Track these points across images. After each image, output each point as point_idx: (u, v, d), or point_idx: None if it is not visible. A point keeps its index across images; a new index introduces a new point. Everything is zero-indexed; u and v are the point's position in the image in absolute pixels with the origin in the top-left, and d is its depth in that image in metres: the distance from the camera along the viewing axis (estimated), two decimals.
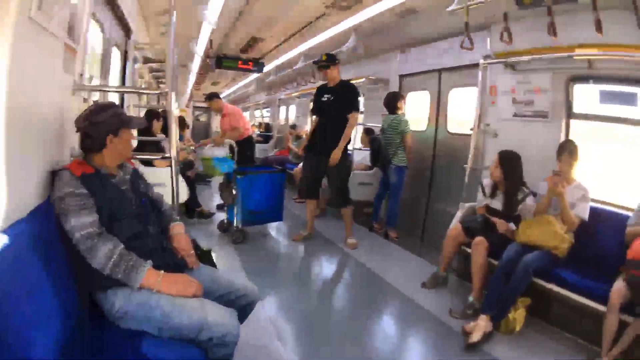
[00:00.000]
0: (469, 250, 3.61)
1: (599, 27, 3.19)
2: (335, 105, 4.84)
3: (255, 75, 11.53)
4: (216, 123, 20.82)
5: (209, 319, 1.76)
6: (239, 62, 8.85)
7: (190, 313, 1.76)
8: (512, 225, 3.59)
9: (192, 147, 6.86)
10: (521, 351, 2.98)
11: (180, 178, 4.78)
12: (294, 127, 10.32)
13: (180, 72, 11.32)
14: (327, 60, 4.87)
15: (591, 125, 4.01)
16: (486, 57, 4.31)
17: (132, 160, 2.69)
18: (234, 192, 4.98)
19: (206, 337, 1.76)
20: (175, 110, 2.72)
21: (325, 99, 4.93)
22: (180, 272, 1.97)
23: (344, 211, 5.16)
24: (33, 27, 1.68)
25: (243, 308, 2.14)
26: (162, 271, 1.86)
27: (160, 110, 5.79)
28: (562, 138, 3.88)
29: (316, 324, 3.30)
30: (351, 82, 5.28)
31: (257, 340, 2.88)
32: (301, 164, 7.38)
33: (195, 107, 22.83)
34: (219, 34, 7.21)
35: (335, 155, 4.74)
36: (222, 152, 5.35)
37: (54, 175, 1.90)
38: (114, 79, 4.86)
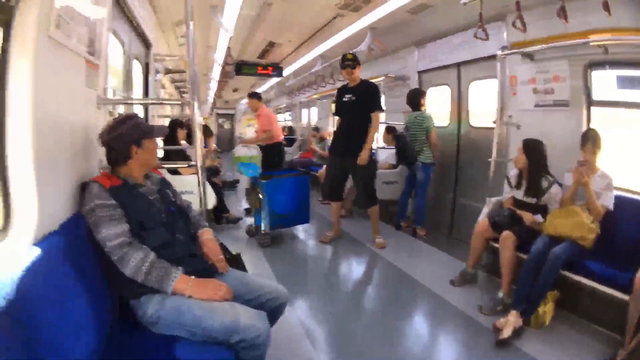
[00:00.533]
0: (497, 245, 3.57)
1: (606, 7, 3.14)
2: (357, 105, 4.84)
3: (275, 80, 11.60)
4: (240, 129, 21.10)
5: (240, 322, 1.80)
6: (258, 67, 8.91)
7: (221, 316, 1.81)
8: (538, 217, 3.55)
9: (215, 155, 6.96)
10: (551, 345, 2.94)
11: (207, 184, 4.87)
12: (316, 129, 10.34)
13: (201, 80, 11.46)
14: (353, 59, 4.85)
15: (610, 111, 3.90)
16: (503, 48, 4.27)
17: (159, 170, 2.75)
18: (260, 196, 5.02)
19: (237, 340, 1.79)
20: (198, 119, 2.77)
21: (347, 99, 4.91)
22: (210, 277, 2.02)
23: (371, 210, 5.16)
24: (53, 45, 1.75)
25: (273, 310, 2.17)
26: (193, 277, 1.91)
27: (183, 119, 5.88)
28: (584, 126, 3.82)
29: (346, 324, 3.30)
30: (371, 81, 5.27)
31: (288, 342, 2.92)
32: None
33: (219, 115, 23.08)
34: (236, 41, 7.28)
35: (364, 155, 4.74)
36: (248, 152, 5.39)
37: (83, 188, 1.97)
38: (137, 91, 4.96)
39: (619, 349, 2.65)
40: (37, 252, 1.49)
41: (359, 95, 4.85)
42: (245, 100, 20.30)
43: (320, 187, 5.35)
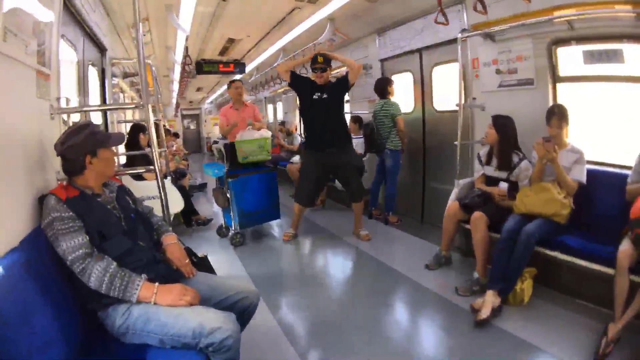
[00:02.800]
0: (468, 226, 3.58)
1: None
2: (330, 101, 4.72)
3: (238, 77, 11.50)
4: (207, 129, 20.86)
5: (207, 326, 1.76)
6: (220, 65, 8.81)
7: (188, 321, 1.77)
8: (503, 185, 3.59)
9: (180, 157, 6.83)
10: (532, 322, 2.96)
11: (174, 188, 4.77)
12: (283, 123, 10.29)
13: (162, 81, 11.26)
14: (324, 62, 4.68)
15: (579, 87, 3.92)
16: (464, 30, 4.29)
17: (120, 176, 2.67)
18: (227, 195, 4.95)
19: (206, 344, 1.75)
20: (153, 121, 2.69)
21: (317, 97, 4.73)
22: (176, 282, 1.97)
23: (357, 205, 5.13)
24: (1, 59, 1.68)
25: (244, 310, 2.14)
26: (157, 283, 1.86)
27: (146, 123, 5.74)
28: (550, 103, 3.84)
29: (324, 317, 3.27)
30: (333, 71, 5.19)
31: (266, 341, 2.87)
32: (295, 159, 7.35)
33: (184, 116, 22.77)
34: (195, 40, 7.17)
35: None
36: (250, 134, 5.20)
37: (41, 201, 1.91)
38: (94, 97, 4.82)
39: (608, 322, 2.64)
40: None
41: (329, 91, 4.72)
42: (210, 100, 20.14)
43: (296, 191, 5.22)
